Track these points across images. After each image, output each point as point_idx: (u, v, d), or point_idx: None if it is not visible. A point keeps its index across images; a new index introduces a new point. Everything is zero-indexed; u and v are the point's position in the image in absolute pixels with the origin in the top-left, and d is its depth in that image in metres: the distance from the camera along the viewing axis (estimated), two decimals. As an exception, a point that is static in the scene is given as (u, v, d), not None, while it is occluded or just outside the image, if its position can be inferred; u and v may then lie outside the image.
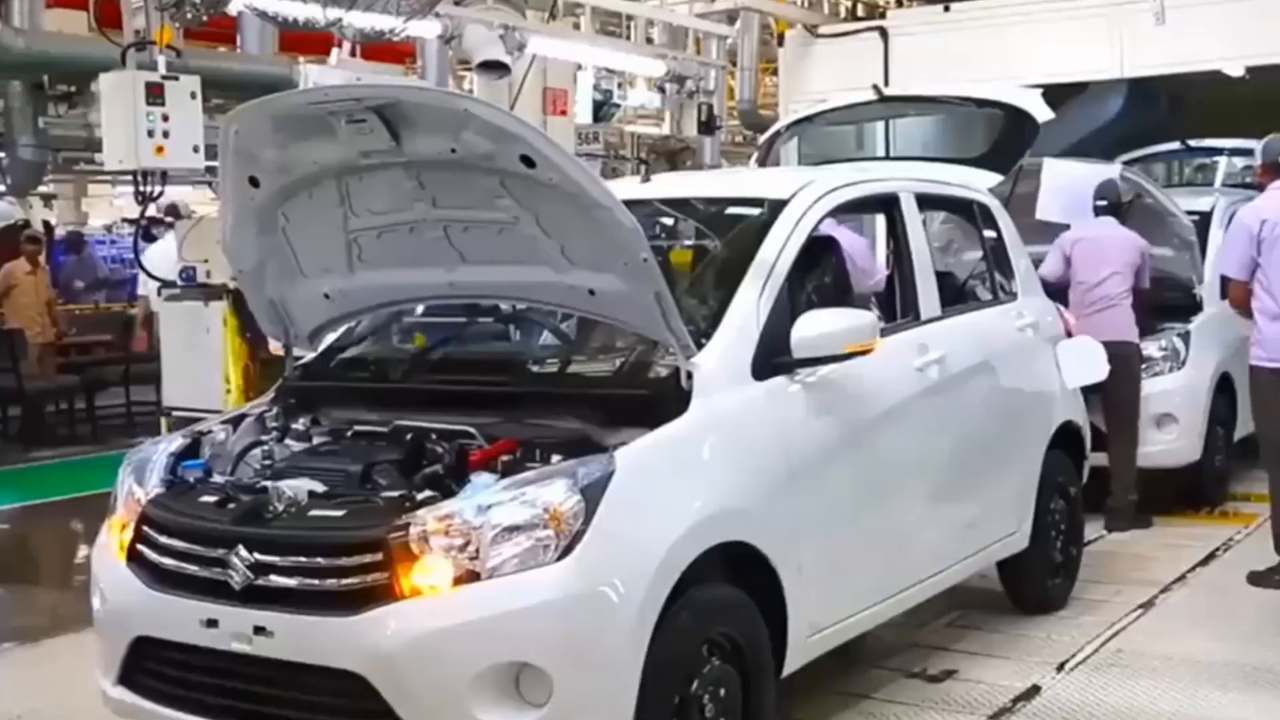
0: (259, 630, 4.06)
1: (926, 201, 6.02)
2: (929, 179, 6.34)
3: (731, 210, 5.48)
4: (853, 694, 5.52)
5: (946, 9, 14.59)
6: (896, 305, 5.77)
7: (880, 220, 6.37)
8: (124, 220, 22.68)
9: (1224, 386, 8.75)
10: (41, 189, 14.47)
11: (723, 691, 4.32)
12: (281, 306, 5.04)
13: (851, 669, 5.70)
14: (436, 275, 4.76)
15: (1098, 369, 6.70)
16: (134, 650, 4.43)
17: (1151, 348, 8.46)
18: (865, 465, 5.10)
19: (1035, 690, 5.56)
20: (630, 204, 5.15)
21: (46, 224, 18.48)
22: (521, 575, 3.93)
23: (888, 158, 8.36)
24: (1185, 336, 8.50)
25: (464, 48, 12.97)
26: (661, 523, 4.16)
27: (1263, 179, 6.99)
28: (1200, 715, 5.36)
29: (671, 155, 15.79)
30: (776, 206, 5.18)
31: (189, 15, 10.43)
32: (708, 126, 15.59)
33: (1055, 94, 13.61)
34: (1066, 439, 6.66)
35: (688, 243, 5.62)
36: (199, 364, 9.02)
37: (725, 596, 4.41)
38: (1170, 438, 8.23)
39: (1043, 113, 7.04)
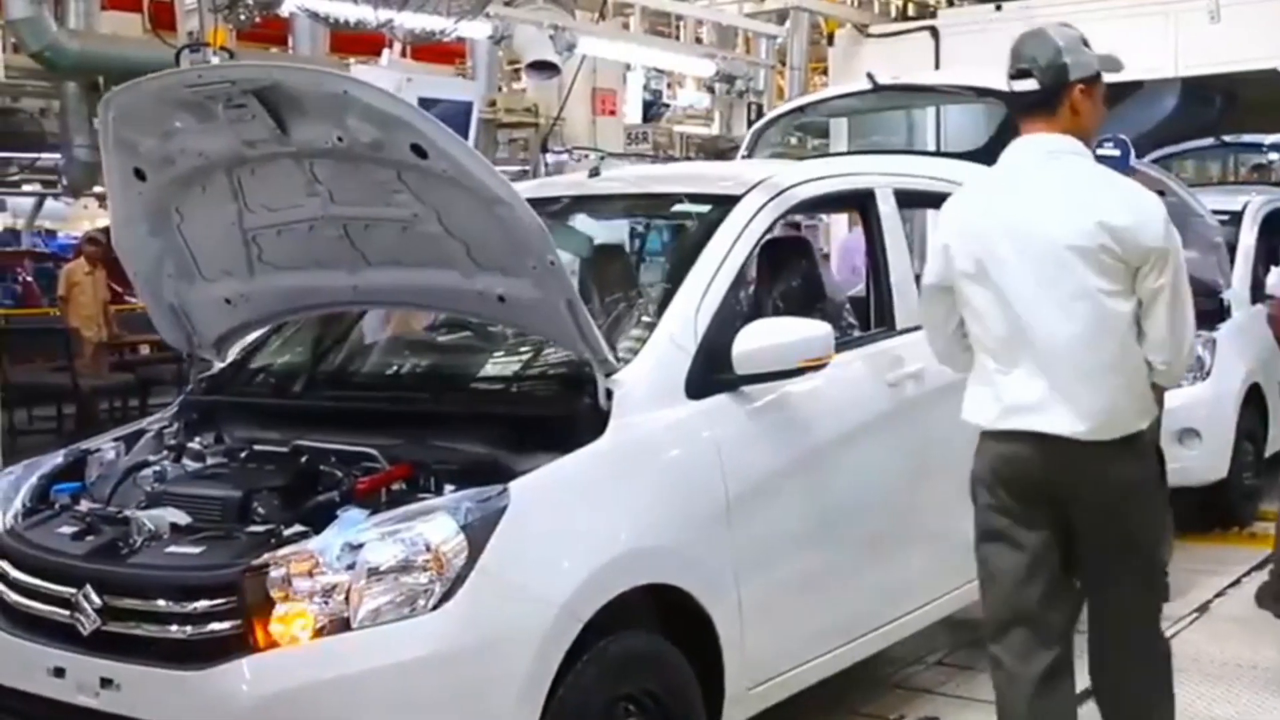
0: (106, 683, 3.40)
1: (908, 198, 5.15)
2: (914, 173, 5.42)
3: (680, 208, 4.66)
4: (817, 744, 4.71)
5: (998, 8, 13.72)
6: (870, 313, 4.93)
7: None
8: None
9: (1253, 398, 7.70)
10: (97, 189, 14.10)
11: (642, 755, 3.59)
12: (182, 312, 4.34)
13: (817, 716, 4.84)
14: (339, 279, 4.06)
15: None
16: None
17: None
18: (822, 493, 4.29)
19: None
20: (573, 201, 4.41)
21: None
22: (394, 625, 3.25)
23: (938, 151, 7.53)
24: (1211, 345, 7.40)
25: (514, 48, 12.55)
26: (563, 564, 3.47)
27: None
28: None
29: (720, 155, 15.17)
30: (726, 204, 4.39)
31: (242, 17, 10.29)
32: (757, 126, 14.90)
33: (1110, 92, 12.91)
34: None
35: (624, 243, 4.87)
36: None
37: (644, 647, 3.69)
38: (1193, 454, 7.18)
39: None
